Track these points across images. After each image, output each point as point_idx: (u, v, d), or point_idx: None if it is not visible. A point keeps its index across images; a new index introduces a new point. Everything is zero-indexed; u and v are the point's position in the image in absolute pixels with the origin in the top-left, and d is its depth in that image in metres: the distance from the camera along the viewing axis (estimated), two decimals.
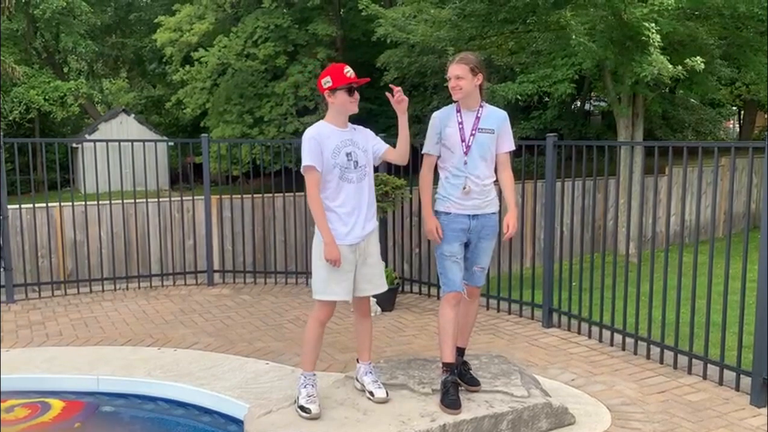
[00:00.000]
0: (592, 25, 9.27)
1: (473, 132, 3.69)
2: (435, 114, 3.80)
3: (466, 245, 3.77)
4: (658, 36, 8.24)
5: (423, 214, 3.85)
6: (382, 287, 3.74)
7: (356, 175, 3.53)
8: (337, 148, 3.50)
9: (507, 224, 3.74)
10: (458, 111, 3.73)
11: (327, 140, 3.49)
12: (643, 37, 8.30)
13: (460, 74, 3.64)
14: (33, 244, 6.88)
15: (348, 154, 3.51)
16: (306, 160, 3.46)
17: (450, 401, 3.50)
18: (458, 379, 3.67)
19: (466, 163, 3.68)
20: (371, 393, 3.58)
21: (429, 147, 3.78)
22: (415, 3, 12.92)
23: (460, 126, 3.70)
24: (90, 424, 4.04)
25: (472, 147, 3.68)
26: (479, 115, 3.72)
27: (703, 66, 8.56)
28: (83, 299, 6.52)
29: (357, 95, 3.55)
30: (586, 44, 8.94)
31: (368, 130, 3.72)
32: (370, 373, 3.69)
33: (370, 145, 3.65)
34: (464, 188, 3.67)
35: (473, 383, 3.69)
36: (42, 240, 7.07)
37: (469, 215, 3.70)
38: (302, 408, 3.45)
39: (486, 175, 3.73)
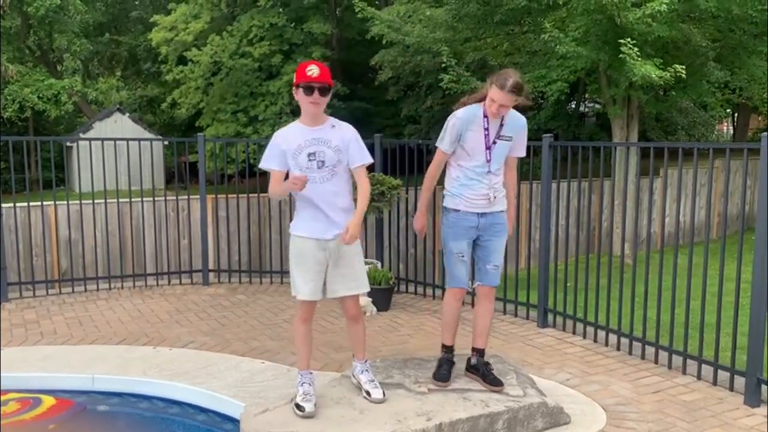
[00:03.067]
0: (586, 28, 9.30)
1: (496, 140, 3.69)
2: (459, 115, 3.68)
3: (477, 244, 3.79)
4: (636, 49, 8.33)
5: (418, 209, 3.89)
6: (357, 289, 3.59)
7: (319, 175, 3.44)
8: (299, 147, 3.44)
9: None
10: (485, 116, 3.67)
11: (291, 140, 3.47)
12: (621, 55, 8.42)
13: (507, 104, 3.58)
14: (27, 243, 6.86)
15: (310, 155, 3.43)
16: (262, 162, 3.53)
17: (440, 375, 3.73)
18: (465, 365, 3.86)
19: (489, 171, 3.68)
20: (368, 393, 3.58)
21: (446, 145, 3.71)
22: (409, 3, 12.93)
23: (486, 132, 3.66)
24: (67, 425, 4.00)
25: (493, 154, 3.69)
26: (503, 122, 3.70)
27: (684, 74, 8.63)
28: (78, 298, 6.50)
29: (318, 96, 3.38)
30: (576, 50, 8.97)
31: (352, 132, 3.54)
32: (367, 371, 3.67)
33: (346, 145, 3.48)
34: (491, 196, 3.68)
35: (496, 383, 3.69)
36: (36, 238, 7.05)
37: (477, 213, 3.71)
38: (297, 406, 3.46)
39: (500, 178, 3.77)
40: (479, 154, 3.66)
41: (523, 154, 3.89)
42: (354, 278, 3.57)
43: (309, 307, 3.60)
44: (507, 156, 3.79)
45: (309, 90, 3.39)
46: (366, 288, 3.68)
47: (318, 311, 5.99)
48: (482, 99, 3.69)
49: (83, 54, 23.31)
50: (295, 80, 3.44)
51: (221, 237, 7.55)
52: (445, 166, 3.87)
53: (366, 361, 3.72)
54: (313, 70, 3.37)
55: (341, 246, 3.50)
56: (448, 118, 3.73)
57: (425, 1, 11.70)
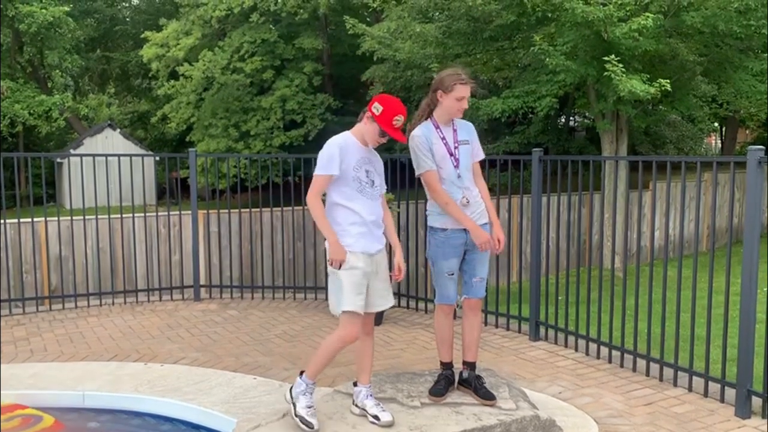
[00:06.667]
0: (574, 43, 9.42)
1: (456, 145, 3.75)
2: (417, 133, 3.72)
3: (463, 258, 3.81)
4: (620, 65, 8.47)
5: (466, 224, 3.70)
6: (391, 301, 3.78)
7: (371, 192, 3.59)
8: (359, 162, 3.55)
9: (497, 239, 3.83)
10: (437, 127, 3.76)
11: (351, 151, 3.55)
12: (606, 73, 8.55)
13: (468, 95, 3.70)
14: (17, 259, 6.82)
15: (367, 172, 3.58)
16: (323, 169, 3.48)
17: (435, 390, 3.75)
18: (457, 379, 3.87)
19: (459, 176, 3.72)
20: (376, 417, 3.48)
21: (429, 164, 3.70)
22: (400, 20, 13.04)
23: (444, 141, 3.74)
24: None
25: (460, 159, 3.73)
26: (455, 128, 3.80)
27: (669, 88, 8.76)
28: (68, 315, 6.47)
29: (385, 140, 3.59)
30: (565, 64, 9.09)
31: (381, 162, 3.77)
32: (371, 396, 3.60)
33: (381, 172, 3.70)
34: (464, 199, 3.71)
35: (488, 397, 3.70)
36: (26, 255, 7.01)
37: (464, 229, 3.73)
38: (303, 420, 3.42)
39: (473, 186, 3.80)
40: (446, 161, 3.72)
41: (482, 156, 3.94)
42: (389, 291, 3.74)
43: (356, 328, 3.50)
44: (471, 163, 3.84)
45: (385, 135, 3.54)
46: (393, 301, 3.84)
47: (309, 326, 5.99)
48: (428, 115, 3.78)
49: (74, 70, 23.33)
50: (377, 116, 3.46)
51: (212, 252, 7.54)
52: (426, 188, 3.82)
53: (370, 386, 3.65)
54: (400, 121, 3.50)
55: (382, 260, 3.65)
56: (409, 144, 3.75)
57: (415, 17, 11.80)
